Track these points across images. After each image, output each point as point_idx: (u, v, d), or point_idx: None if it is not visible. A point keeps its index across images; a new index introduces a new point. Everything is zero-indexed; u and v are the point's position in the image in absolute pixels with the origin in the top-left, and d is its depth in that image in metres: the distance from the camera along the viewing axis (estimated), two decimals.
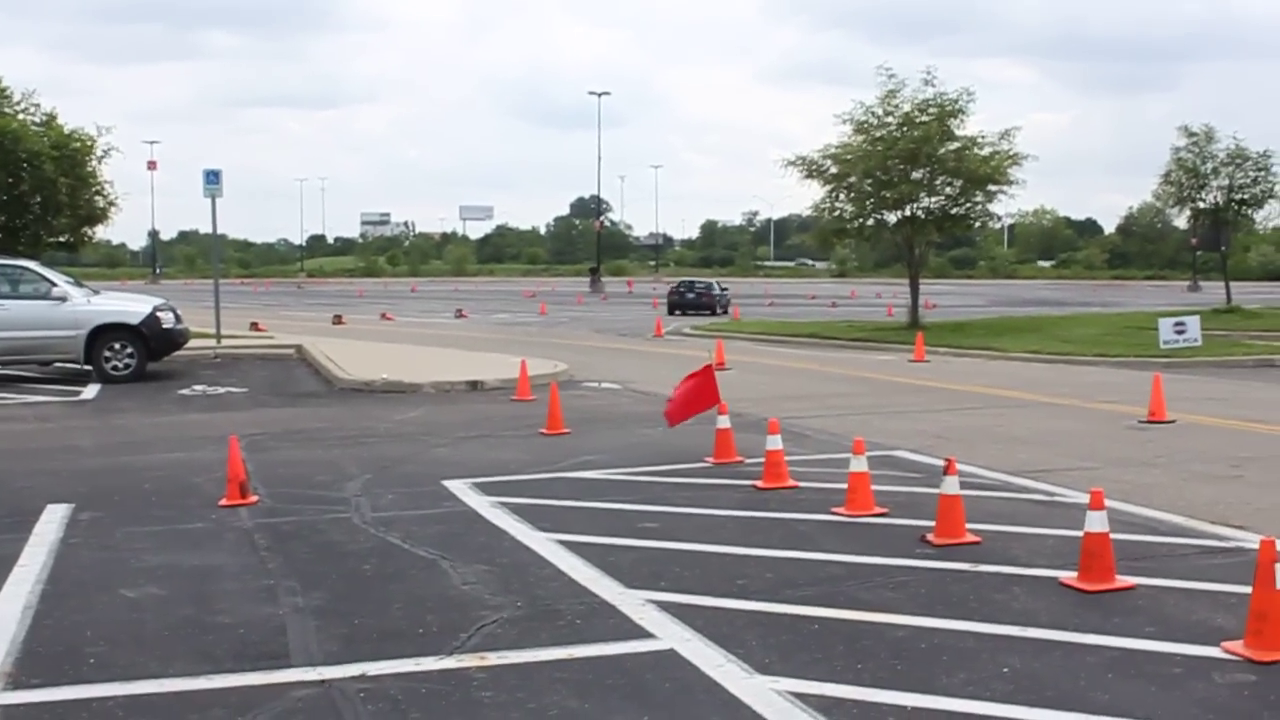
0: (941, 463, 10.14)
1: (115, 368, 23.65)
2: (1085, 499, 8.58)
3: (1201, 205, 48.20)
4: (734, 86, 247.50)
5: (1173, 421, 17.23)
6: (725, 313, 56.03)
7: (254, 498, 11.68)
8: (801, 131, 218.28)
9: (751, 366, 27.14)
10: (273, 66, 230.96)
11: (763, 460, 12.40)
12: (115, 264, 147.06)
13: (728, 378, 22.32)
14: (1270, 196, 48.51)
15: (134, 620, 7.96)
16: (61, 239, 33.34)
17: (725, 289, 63.07)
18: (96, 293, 25.50)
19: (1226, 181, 46.44)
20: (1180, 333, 28.61)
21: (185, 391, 22.16)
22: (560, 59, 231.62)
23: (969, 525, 9.84)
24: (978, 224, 43.27)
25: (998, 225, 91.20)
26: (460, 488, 12.27)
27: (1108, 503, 8.57)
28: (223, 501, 11.53)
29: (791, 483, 12.19)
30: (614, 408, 19.66)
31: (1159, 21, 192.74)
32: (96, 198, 32.88)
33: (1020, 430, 16.93)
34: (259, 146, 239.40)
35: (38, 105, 32.44)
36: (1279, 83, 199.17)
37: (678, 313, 57.37)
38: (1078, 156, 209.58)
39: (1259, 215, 52.79)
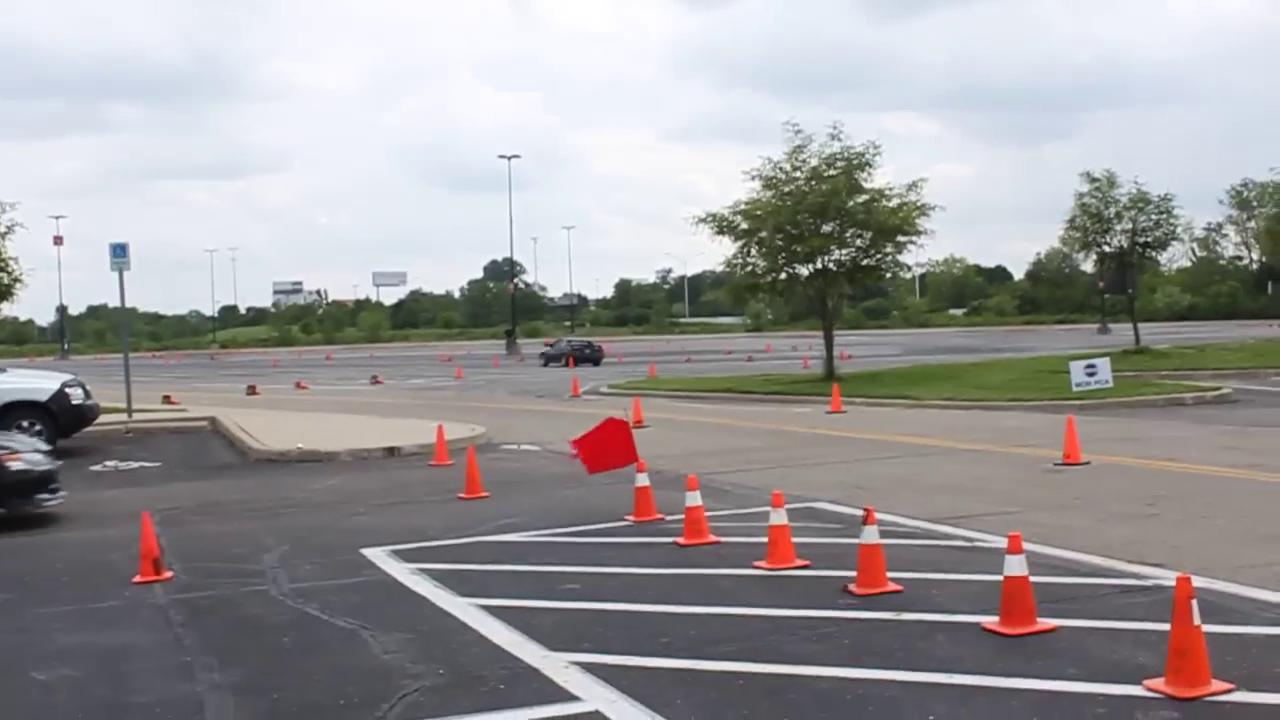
0: (861, 512, 10.15)
1: None
2: (1004, 543, 8.61)
3: (1107, 249, 48.90)
4: (642, 145, 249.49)
5: (1087, 463, 17.40)
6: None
7: (169, 573, 11.48)
8: (711, 188, 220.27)
9: (669, 423, 27.14)
10: (178, 138, 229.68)
11: (683, 517, 12.37)
12: (23, 340, 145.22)
13: (646, 435, 22.34)
14: (1173, 239, 49.51)
15: (47, 704, 7.78)
16: None
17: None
18: (3, 370, 25.12)
19: (1130, 225, 47.18)
20: (1091, 375, 28.91)
21: (97, 468, 21.82)
22: (468, 123, 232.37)
23: (890, 574, 9.84)
24: (889, 275, 43.61)
25: (909, 275, 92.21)
26: (379, 555, 12.13)
27: (1027, 546, 8.61)
28: (137, 579, 11.32)
29: (713, 538, 12.16)
30: (533, 469, 19.59)
31: (1053, 71, 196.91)
32: (1, 274, 32.50)
33: (938, 477, 17.02)
34: (168, 218, 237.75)
35: None
36: (1172, 128, 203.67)
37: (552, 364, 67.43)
38: (984, 205, 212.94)
39: (1163, 257, 53.91)
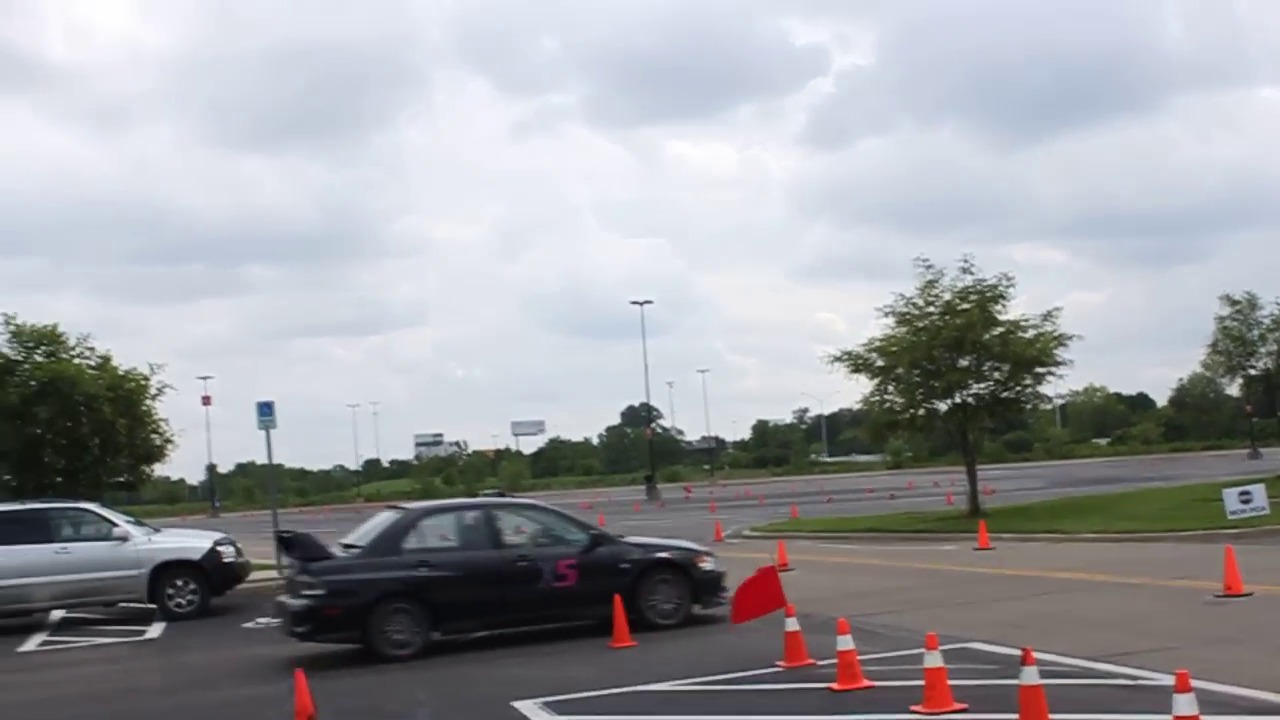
0: (1018, 652, 9.93)
1: (179, 605, 23.68)
2: (1170, 681, 8.37)
3: (1253, 372, 47.94)
4: (770, 286, 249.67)
5: (1250, 594, 16.88)
6: None
7: None
8: (843, 326, 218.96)
9: (815, 565, 26.88)
10: (316, 296, 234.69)
11: (835, 661, 12.19)
12: (174, 499, 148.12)
13: (792, 578, 22.12)
14: None
15: None
16: (121, 478, 33.69)
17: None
18: (157, 531, 25.68)
19: (1275, 346, 46.25)
20: (1246, 502, 28.14)
21: (249, 625, 22.09)
22: (597, 271, 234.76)
23: (1052, 716, 9.58)
24: (1029, 406, 43.05)
25: (1049, 406, 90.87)
26: (531, 708, 12.11)
27: (1194, 683, 8.36)
28: None
29: (867, 682, 11.97)
30: None
31: (1180, 193, 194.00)
32: (153, 436, 33.32)
33: (1095, 613, 16.62)
34: (309, 375, 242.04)
35: (92, 349, 33.09)
36: None
37: None
38: (1120, 332, 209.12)
39: None
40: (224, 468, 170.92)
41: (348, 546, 17.63)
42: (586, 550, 17.98)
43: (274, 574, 29.20)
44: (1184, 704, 8.12)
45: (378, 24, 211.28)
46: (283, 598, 17.56)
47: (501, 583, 17.33)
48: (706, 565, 18.67)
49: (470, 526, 18.15)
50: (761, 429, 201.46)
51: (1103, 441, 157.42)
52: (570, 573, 17.57)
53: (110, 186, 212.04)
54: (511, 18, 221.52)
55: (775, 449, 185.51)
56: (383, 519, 18.16)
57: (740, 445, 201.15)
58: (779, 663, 13.53)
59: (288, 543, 17.80)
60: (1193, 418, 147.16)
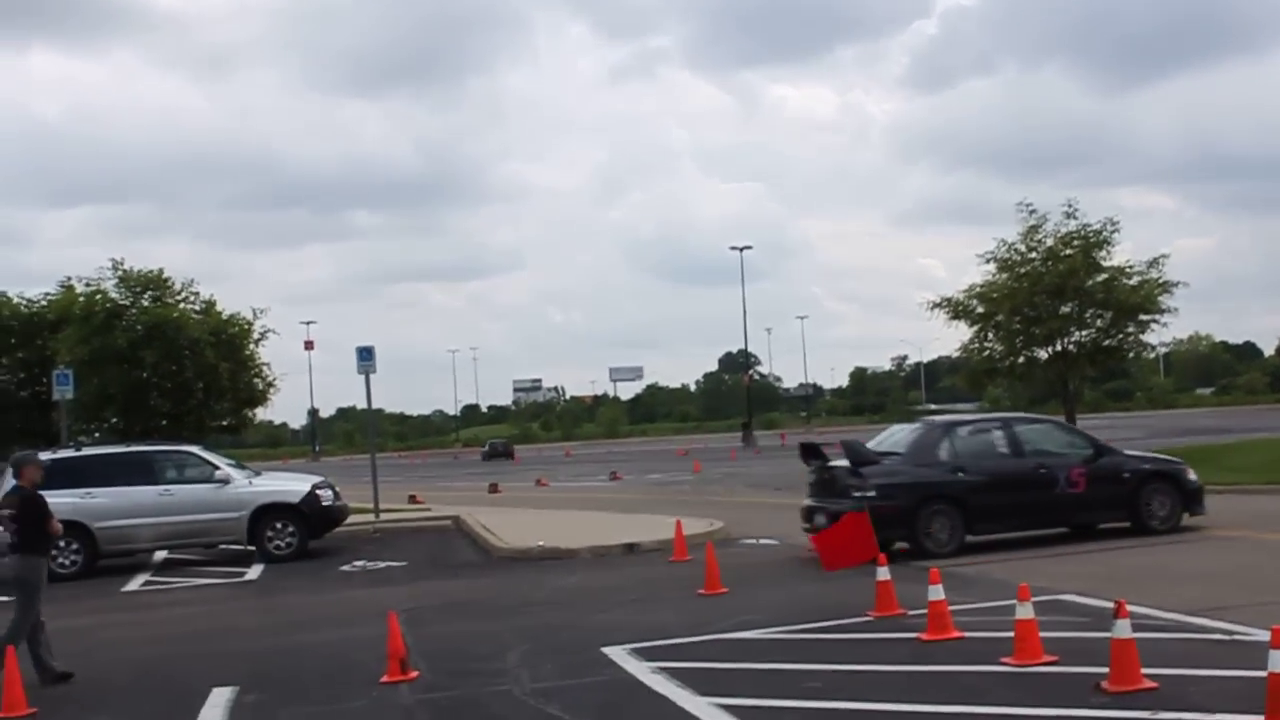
0: (1111, 605, 9.79)
1: (278, 547, 24.04)
2: (1266, 636, 8.21)
3: None
4: (870, 232, 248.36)
5: None
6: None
7: (414, 673, 11.67)
8: (942, 272, 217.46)
9: None
10: (416, 241, 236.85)
11: (926, 611, 12.11)
12: (277, 443, 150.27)
13: None
14: None
15: None
16: (224, 422, 34.24)
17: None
18: (257, 474, 26.04)
19: None
20: None
21: (346, 568, 22.40)
22: (696, 216, 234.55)
23: (1145, 670, 9.46)
24: (1131, 355, 42.47)
25: (1152, 355, 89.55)
26: (619, 654, 12.14)
27: None
28: (384, 679, 11.53)
29: (957, 633, 11.88)
30: (772, 564, 19.45)
31: None
32: (256, 380, 33.87)
33: (1192, 566, 16.38)
34: (409, 320, 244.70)
35: (197, 294, 33.64)
36: None
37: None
38: (1227, 279, 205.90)
39: None
40: (325, 412, 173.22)
41: (882, 455, 19.18)
42: (1092, 460, 19.80)
43: (371, 517, 29.58)
44: (1279, 660, 7.96)
45: None
46: (810, 500, 19.59)
47: (1025, 488, 19.19)
48: (1192, 477, 20.63)
49: (996, 438, 19.95)
50: (859, 376, 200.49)
51: (1207, 391, 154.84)
52: (1080, 480, 19.37)
53: (215, 133, 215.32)
54: None
55: (873, 396, 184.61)
56: (913, 429, 20.64)
57: (838, 392, 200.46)
58: (869, 612, 13.46)
59: (810, 450, 20.11)
60: None
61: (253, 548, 24.23)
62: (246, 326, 33.30)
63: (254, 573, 22.56)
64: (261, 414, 37.72)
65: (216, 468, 24.59)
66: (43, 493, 13.08)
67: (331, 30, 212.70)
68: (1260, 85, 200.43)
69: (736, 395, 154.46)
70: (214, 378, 32.23)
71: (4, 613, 13.15)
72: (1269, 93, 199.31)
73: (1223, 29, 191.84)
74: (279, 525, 24.20)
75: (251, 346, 33.53)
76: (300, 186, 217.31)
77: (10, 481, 13.58)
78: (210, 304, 33.64)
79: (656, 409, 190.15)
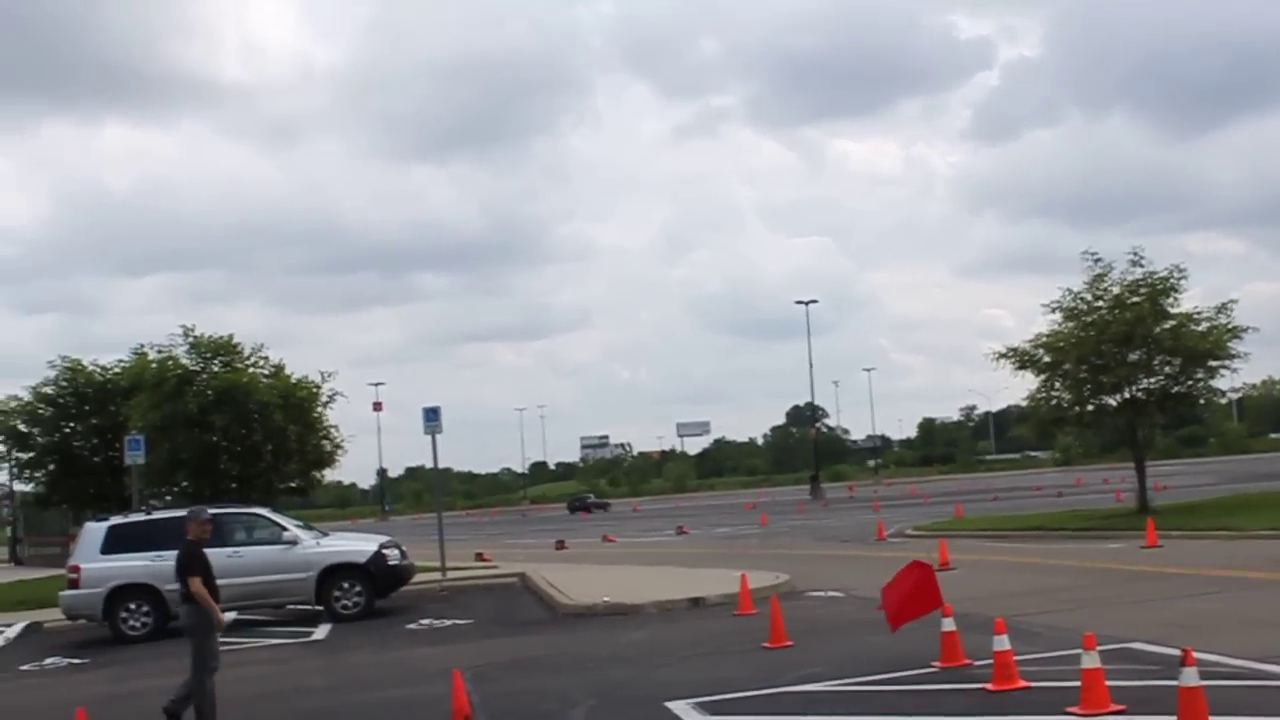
0: (1179, 653, 9.71)
1: (345, 606, 24.16)
2: None
3: None
4: (936, 283, 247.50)
5: None
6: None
7: None
8: (1010, 322, 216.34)
9: (976, 564, 26.54)
10: (482, 302, 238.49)
11: (991, 662, 12.04)
12: (346, 503, 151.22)
13: (951, 577, 21.90)
14: None
15: None
16: (293, 484, 34.53)
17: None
18: (325, 534, 26.22)
19: None
20: None
21: (412, 626, 22.48)
22: (761, 271, 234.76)
23: (1213, 718, 9.36)
24: (1202, 401, 42.02)
25: (1224, 400, 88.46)
26: (683, 708, 12.14)
27: None
28: None
29: (1023, 683, 11.81)
30: (837, 616, 19.38)
31: None
32: (324, 442, 34.13)
33: (1265, 612, 16.19)
34: (476, 379, 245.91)
35: (266, 358, 34.01)
36: None
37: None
38: None
39: None
40: (394, 472, 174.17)
41: None
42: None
43: (438, 575, 29.69)
44: None
45: (540, 32, 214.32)
46: None
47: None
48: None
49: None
50: (928, 427, 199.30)
51: None
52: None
53: (282, 200, 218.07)
54: (671, 21, 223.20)
55: (941, 447, 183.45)
56: None
57: (906, 443, 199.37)
58: (934, 663, 13.40)
59: None
60: None
61: (320, 607, 24.36)
62: (315, 390, 33.60)
63: (321, 632, 22.69)
64: (330, 475, 38.04)
65: (284, 529, 24.78)
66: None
67: (394, 97, 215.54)
68: None
69: (804, 448, 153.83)
70: (282, 440, 32.52)
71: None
72: None
73: None
74: (346, 585, 24.33)
75: (320, 409, 33.81)
76: (367, 251, 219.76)
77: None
78: (279, 368, 33.97)
79: (724, 463, 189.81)
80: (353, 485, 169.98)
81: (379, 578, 24.74)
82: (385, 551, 25.04)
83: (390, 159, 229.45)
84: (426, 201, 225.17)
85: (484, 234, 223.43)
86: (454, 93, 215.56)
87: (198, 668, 13.37)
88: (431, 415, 31.07)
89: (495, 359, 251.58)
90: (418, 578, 27.27)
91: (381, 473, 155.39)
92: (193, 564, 13.54)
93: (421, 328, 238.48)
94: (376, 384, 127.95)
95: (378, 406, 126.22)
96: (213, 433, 31.80)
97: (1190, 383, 38.27)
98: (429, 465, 40.97)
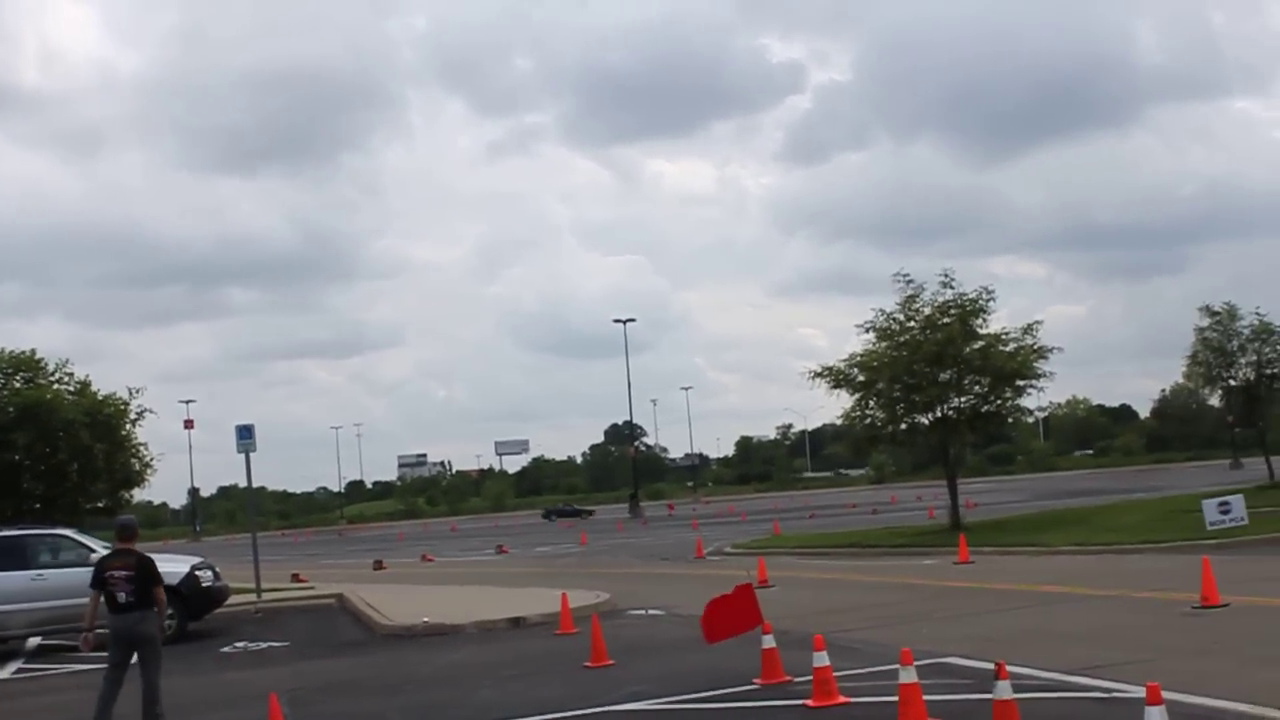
0: (993, 666, 9.90)
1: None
2: (1143, 693, 8.35)
3: (1233, 383, 48.05)
4: (750, 303, 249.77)
5: (1227, 605, 16.88)
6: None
7: None
8: (823, 342, 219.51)
9: (794, 581, 26.85)
10: (294, 319, 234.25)
11: (811, 678, 12.15)
12: (156, 524, 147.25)
13: (771, 594, 22.09)
14: None
15: None
16: (100, 504, 33.52)
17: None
18: None
19: (1255, 357, 46.36)
20: (1225, 513, 28.19)
21: (227, 649, 21.98)
22: (577, 290, 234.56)
23: None
24: (1010, 420, 43.15)
25: (1031, 419, 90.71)
26: None
27: (1166, 695, 8.36)
28: None
29: (842, 699, 11.94)
30: (658, 635, 19.43)
31: (1157, 205, 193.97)
32: (132, 461, 33.21)
33: (1072, 626, 16.63)
34: (289, 397, 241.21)
35: (71, 374, 33.00)
36: None
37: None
38: (1101, 344, 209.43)
39: None
40: (206, 491, 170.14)
41: None
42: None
43: (253, 597, 29.11)
44: (1155, 717, 8.10)
45: (351, 46, 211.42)
46: None
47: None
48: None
49: None
50: (745, 445, 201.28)
51: (1085, 453, 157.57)
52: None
53: (85, 211, 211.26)
54: (485, 38, 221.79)
55: (759, 465, 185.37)
56: None
57: (724, 462, 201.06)
58: (756, 680, 13.48)
59: None
60: (1175, 429, 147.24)
61: None
62: (122, 407, 32.70)
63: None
64: (139, 495, 37.08)
65: (92, 550, 23.97)
66: None
67: (201, 108, 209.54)
68: (1125, 155, 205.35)
69: (623, 466, 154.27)
70: (89, 459, 31.56)
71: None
72: (1133, 162, 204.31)
73: (1087, 104, 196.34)
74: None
75: (128, 427, 32.89)
76: (174, 264, 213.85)
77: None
78: (85, 384, 32.99)
79: (543, 482, 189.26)
80: (163, 505, 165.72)
81: (191, 600, 24.13)
82: (198, 573, 24.46)
83: (197, 170, 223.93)
84: (235, 215, 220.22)
85: (295, 249, 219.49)
86: (263, 104, 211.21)
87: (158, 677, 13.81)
88: (245, 433, 30.48)
89: (308, 376, 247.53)
90: (232, 600, 26.69)
91: (193, 492, 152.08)
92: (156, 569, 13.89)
93: (232, 344, 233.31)
94: (187, 401, 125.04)
95: (189, 424, 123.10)
96: (14, 451, 30.72)
97: (999, 402, 39.31)
98: (242, 484, 40.23)
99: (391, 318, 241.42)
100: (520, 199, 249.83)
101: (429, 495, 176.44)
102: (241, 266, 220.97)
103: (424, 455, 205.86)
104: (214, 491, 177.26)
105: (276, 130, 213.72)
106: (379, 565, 45.22)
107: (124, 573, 13.65)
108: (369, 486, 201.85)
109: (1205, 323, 46.97)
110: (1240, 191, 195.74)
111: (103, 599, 13.82)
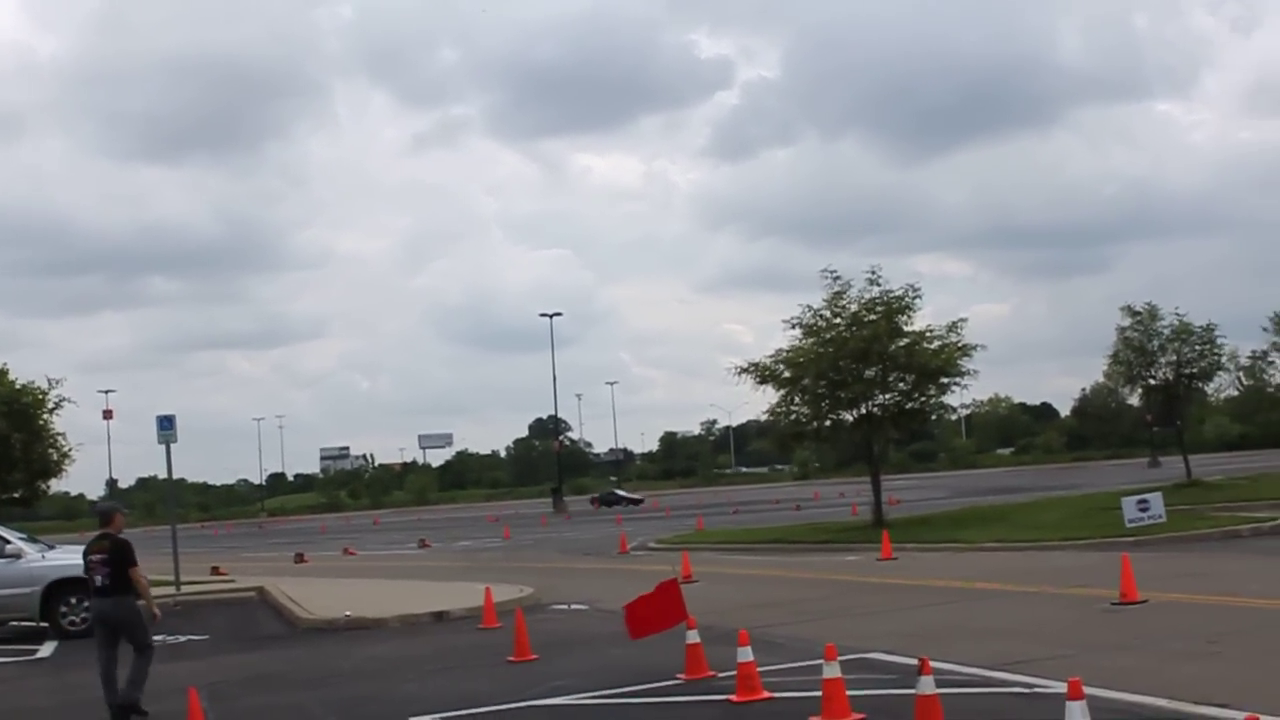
0: (916, 662, 9.94)
1: (72, 623, 23.13)
2: (1064, 688, 8.40)
3: (1152, 382, 48.58)
4: (676, 298, 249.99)
5: (1145, 601, 17.07)
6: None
7: None
8: (749, 338, 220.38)
9: (718, 577, 26.88)
10: (216, 309, 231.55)
11: (735, 673, 12.16)
12: (74, 515, 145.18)
13: (695, 590, 22.08)
14: (1218, 369, 49.02)
15: None
16: (16, 495, 33.08)
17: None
18: (51, 548, 25.15)
19: (1174, 357, 46.89)
20: (1144, 510, 28.52)
21: None
22: (503, 283, 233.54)
23: None
24: (934, 417, 43.44)
25: (954, 417, 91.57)
26: None
27: (1087, 690, 8.40)
28: None
29: (766, 694, 11.94)
30: (582, 629, 19.39)
31: (1079, 206, 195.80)
32: (50, 451, 32.81)
33: (994, 621, 16.75)
34: (211, 388, 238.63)
35: None
36: (1204, 258, 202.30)
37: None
38: (1023, 343, 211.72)
39: (1210, 387, 53.42)
40: (125, 482, 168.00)
41: None
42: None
43: (171, 590, 28.78)
44: (1077, 711, 8.14)
45: (276, 35, 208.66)
46: None
47: None
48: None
49: None
50: (669, 440, 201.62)
51: (1007, 451, 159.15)
52: None
53: (3, 198, 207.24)
54: (411, 29, 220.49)
55: (683, 460, 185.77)
56: None
57: (648, 457, 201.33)
58: (679, 675, 13.47)
59: None
60: (1095, 427, 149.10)
61: (45, 624, 23.32)
62: (40, 396, 32.30)
63: (47, 650, 21.73)
64: (57, 485, 36.53)
65: (7, 541, 23.67)
66: None
67: (122, 94, 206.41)
68: (1047, 158, 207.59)
69: (547, 461, 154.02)
70: (5, 449, 31.14)
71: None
72: (1055, 165, 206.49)
73: (1011, 104, 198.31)
74: (73, 601, 23.27)
75: (46, 416, 32.50)
76: (94, 252, 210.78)
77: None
78: (2, 373, 32.56)
79: (467, 476, 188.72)
80: (81, 496, 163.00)
81: None
82: None
83: (118, 158, 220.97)
84: (157, 203, 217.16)
85: (218, 239, 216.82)
86: (185, 92, 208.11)
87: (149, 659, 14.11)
88: (166, 424, 30.12)
89: (230, 367, 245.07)
90: (150, 593, 26.33)
91: (112, 483, 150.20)
92: (133, 552, 14.17)
93: (153, 334, 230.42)
94: (107, 391, 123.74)
95: (108, 414, 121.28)
96: None
97: (923, 399, 39.50)
98: (162, 476, 39.80)
99: (316, 309, 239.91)
100: (446, 191, 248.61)
101: (351, 488, 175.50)
102: (163, 256, 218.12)
103: (347, 448, 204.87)
104: (133, 483, 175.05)
105: (200, 118, 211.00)
106: (300, 558, 44.88)
107: (100, 556, 13.91)
108: (291, 479, 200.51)
109: (1126, 322, 47.47)
110: (1160, 193, 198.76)
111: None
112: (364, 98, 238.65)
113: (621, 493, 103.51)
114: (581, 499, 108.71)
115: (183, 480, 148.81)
